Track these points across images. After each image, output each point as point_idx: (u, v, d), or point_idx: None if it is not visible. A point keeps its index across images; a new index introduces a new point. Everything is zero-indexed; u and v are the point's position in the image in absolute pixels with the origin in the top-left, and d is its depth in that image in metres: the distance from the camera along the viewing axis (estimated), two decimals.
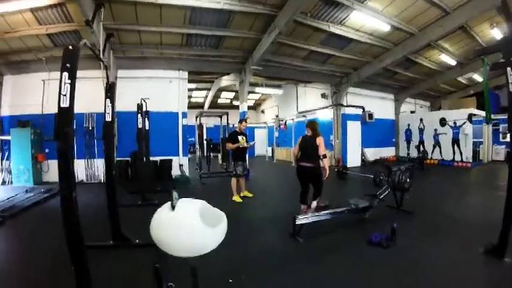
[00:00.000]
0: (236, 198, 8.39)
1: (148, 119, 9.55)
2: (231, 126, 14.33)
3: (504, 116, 17.02)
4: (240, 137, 8.50)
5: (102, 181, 11.67)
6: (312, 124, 6.46)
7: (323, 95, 17.74)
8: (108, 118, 5.27)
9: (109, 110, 5.28)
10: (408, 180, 6.68)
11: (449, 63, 15.74)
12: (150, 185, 9.42)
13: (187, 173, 13.02)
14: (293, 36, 11.68)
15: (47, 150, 12.18)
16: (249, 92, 21.81)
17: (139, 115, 8.18)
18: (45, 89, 12.19)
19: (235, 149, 8.43)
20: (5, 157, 11.92)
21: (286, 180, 12.75)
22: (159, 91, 12.81)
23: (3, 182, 11.70)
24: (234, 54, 13.00)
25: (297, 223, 5.17)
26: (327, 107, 17.29)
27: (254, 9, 9.67)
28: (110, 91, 5.35)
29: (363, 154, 17.61)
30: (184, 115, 13.32)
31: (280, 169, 17.27)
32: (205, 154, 15.01)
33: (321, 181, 6.14)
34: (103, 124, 5.39)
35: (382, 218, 6.25)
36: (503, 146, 18.91)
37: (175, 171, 12.80)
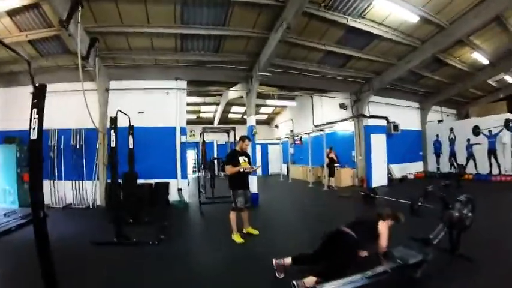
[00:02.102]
0: (236, 237, 6.43)
1: (133, 136, 8.19)
2: None
3: None
4: (241, 158, 6.71)
5: (91, 206, 10.82)
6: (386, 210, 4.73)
7: (342, 106, 15.91)
8: (34, 136, 3.63)
9: (35, 124, 3.65)
10: (470, 214, 4.79)
11: (481, 62, 13.78)
12: (136, 214, 8.17)
13: (186, 198, 11.39)
14: (305, 35, 10.03)
15: None
16: (260, 105, 20.53)
17: (111, 131, 6.53)
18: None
19: (235, 174, 6.57)
20: None
21: (302, 207, 11.00)
22: (155, 104, 11.58)
23: None
24: (238, 59, 11.33)
25: None
26: (346, 119, 15.50)
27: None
28: (38, 97, 3.72)
29: (389, 171, 15.58)
30: (183, 131, 11.75)
31: (296, 190, 15.39)
32: (215, 174, 13.36)
33: (347, 259, 4.07)
34: (28, 144, 3.78)
35: (435, 272, 4.31)
36: None
37: (173, 196, 11.24)
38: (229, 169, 6.55)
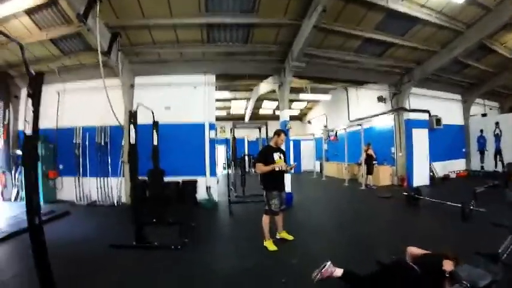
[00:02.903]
0: (268, 244, 5.71)
1: (157, 132, 7.75)
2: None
3: None
4: (275, 155, 5.90)
5: (116, 203, 10.65)
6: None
7: (380, 98, 14.93)
8: (29, 130, 3.10)
9: (30, 118, 3.12)
10: None
11: None
12: (160, 214, 7.63)
13: (215, 197, 10.86)
14: (342, 20, 9.22)
15: (61, 166, 11.33)
16: (293, 100, 19.83)
17: (131, 126, 5.96)
18: (60, 101, 11.32)
19: (269, 173, 5.80)
20: (18, 172, 11.33)
21: (340, 208, 10.19)
22: (182, 99, 11.14)
23: (16, 198, 11.16)
24: (269, 50, 10.66)
25: None
26: (386, 113, 14.46)
27: None
28: (34, 87, 3.19)
29: (431, 170, 14.44)
30: (212, 127, 11.23)
31: (332, 189, 14.56)
32: (245, 171, 12.89)
33: None
34: (23, 140, 3.27)
35: None
36: None
37: (201, 194, 10.76)
38: (261, 167, 5.80)
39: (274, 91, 12.77)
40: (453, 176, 15.77)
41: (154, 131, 7.64)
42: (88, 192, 10.89)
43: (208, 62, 11.07)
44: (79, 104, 11.17)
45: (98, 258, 5.23)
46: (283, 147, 6.32)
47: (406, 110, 13.76)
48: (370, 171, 13.83)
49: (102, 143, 10.83)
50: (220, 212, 9.66)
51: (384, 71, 13.12)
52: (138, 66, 10.79)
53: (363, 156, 13.88)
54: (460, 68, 13.98)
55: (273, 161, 5.80)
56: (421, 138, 13.92)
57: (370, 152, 13.84)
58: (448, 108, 15.95)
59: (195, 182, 10.66)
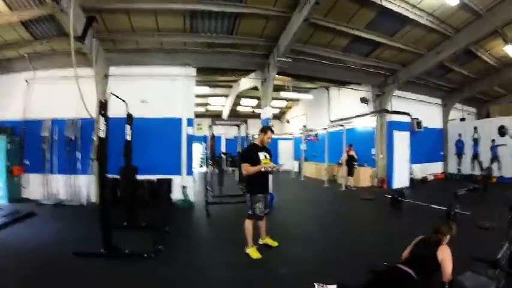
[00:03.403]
0: (251, 251, 5.16)
1: (131, 126, 7.12)
2: (251, 137, 12.07)
3: None
4: (261, 155, 5.38)
5: (85, 203, 9.78)
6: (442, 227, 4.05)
7: (363, 99, 14.73)
8: None
9: None
10: None
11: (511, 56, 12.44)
12: (132, 216, 7.02)
13: (191, 197, 10.31)
14: (333, 15, 8.89)
15: (27, 162, 10.39)
16: (273, 99, 19.35)
17: (101, 118, 5.27)
18: (29, 91, 10.48)
19: (254, 175, 5.27)
20: None
21: (323, 210, 9.93)
22: (160, 92, 10.49)
23: None
24: (254, 43, 10.21)
25: None
26: (368, 114, 14.29)
27: None
28: None
29: (411, 172, 14.48)
30: (190, 123, 10.63)
31: (311, 190, 14.25)
32: (223, 170, 12.47)
33: None
34: None
35: None
36: None
37: (177, 194, 10.18)
38: (248, 168, 5.24)
39: (256, 88, 12.39)
40: (431, 178, 15.96)
41: (127, 124, 7.03)
42: (56, 191, 10.16)
43: (189, 53, 10.47)
44: (49, 94, 10.32)
45: (59, 268, 4.63)
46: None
47: (388, 111, 13.70)
48: (351, 173, 13.64)
49: (73, 137, 10.07)
50: (197, 213, 9.14)
51: (368, 71, 12.94)
52: (114, 55, 10.09)
53: (344, 156, 13.68)
54: (443, 72, 14.12)
55: (259, 162, 5.31)
56: (402, 141, 13.97)
57: (352, 153, 13.65)
58: (428, 112, 16.12)
59: (170, 181, 10.10)
